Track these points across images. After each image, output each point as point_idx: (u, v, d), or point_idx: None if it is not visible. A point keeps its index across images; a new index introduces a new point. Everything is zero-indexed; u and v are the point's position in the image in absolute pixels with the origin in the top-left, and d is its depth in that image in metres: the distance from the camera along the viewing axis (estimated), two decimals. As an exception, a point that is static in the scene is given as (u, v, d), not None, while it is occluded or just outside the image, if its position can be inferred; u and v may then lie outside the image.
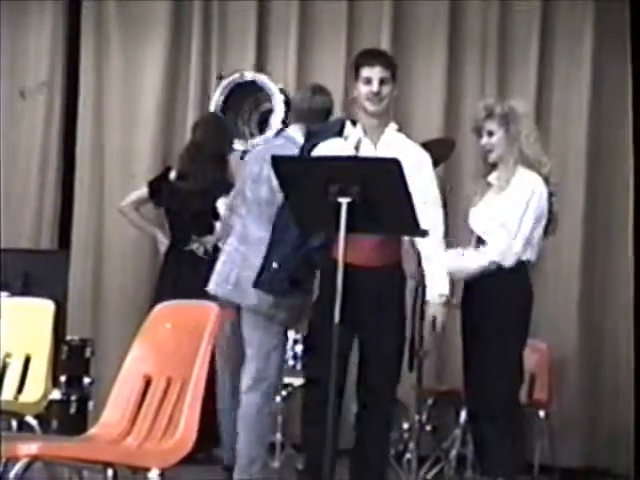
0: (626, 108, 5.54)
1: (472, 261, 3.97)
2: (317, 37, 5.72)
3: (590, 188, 5.54)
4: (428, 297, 3.88)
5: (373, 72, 3.81)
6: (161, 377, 3.07)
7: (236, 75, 5.22)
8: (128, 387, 3.09)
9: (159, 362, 3.14)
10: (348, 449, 3.86)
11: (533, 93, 5.56)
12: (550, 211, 4.00)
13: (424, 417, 4.83)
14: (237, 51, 5.69)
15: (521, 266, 3.96)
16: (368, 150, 3.83)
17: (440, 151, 4.51)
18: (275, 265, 4.07)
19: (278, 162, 3.54)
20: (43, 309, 3.71)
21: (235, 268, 4.23)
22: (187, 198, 5.00)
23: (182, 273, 5.02)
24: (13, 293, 4.58)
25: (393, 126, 3.90)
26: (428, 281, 3.88)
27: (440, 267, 3.87)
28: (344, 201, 3.36)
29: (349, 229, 3.37)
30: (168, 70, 5.70)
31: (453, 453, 4.92)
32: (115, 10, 5.70)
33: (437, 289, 3.86)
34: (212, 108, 5.21)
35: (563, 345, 5.38)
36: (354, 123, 3.89)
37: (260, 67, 5.68)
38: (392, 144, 3.85)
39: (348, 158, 3.59)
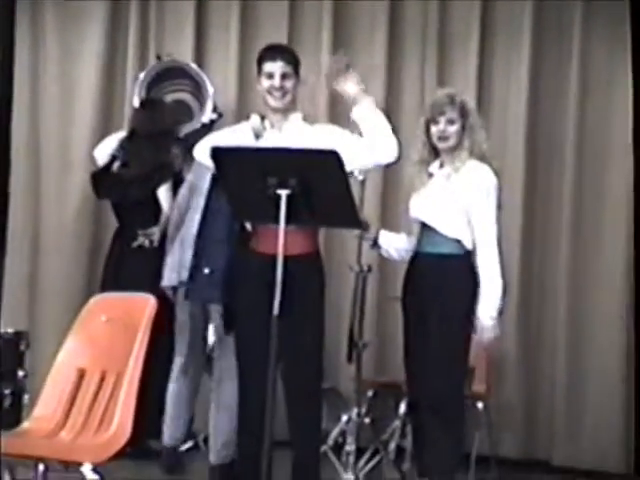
0: (565, 104, 5.58)
1: (493, 270, 3.95)
2: (258, 33, 5.66)
3: (528, 181, 5.58)
4: (480, 315, 3.92)
5: (275, 67, 3.84)
6: (95, 370, 3.04)
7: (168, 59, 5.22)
8: (61, 380, 3.05)
9: (93, 355, 3.11)
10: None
11: (473, 88, 5.57)
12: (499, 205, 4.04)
13: (363, 409, 4.83)
14: (175, 40, 5.62)
15: (469, 255, 3.97)
16: (273, 136, 3.83)
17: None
18: (207, 270, 4.06)
19: (217, 153, 3.51)
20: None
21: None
22: (126, 187, 4.94)
23: (128, 266, 4.97)
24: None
25: (298, 115, 3.91)
26: (482, 299, 3.92)
27: (496, 289, 3.93)
28: (283, 193, 3.35)
29: (288, 221, 3.36)
30: (105, 59, 5.64)
31: (392, 445, 4.93)
32: (51, -1, 5.62)
33: (489, 311, 3.91)
34: (136, 87, 5.17)
35: (501, 337, 5.41)
36: (263, 118, 3.88)
37: (199, 57, 5.63)
38: (297, 129, 3.87)
39: (286, 150, 3.57)
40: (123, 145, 5.05)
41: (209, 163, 3.62)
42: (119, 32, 5.67)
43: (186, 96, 5.41)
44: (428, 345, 3.92)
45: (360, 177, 4.55)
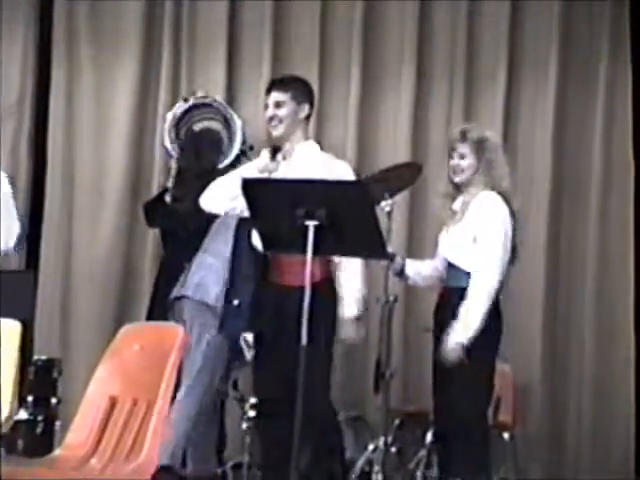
0: (591, 138, 5.63)
1: (478, 297, 3.95)
2: (290, 67, 5.74)
3: (553, 217, 5.63)
4: (449, 337, 3.90)
5: (269, 99, 4.02)
6: (127, 398, 3.08)
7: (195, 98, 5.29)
8: (93, 408, 3.10)
9: (125, 383, 3.15)
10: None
11: (499, 124, 5.63)
12: (513, 235, 4.06)
13: (390, 438, 4.85)
14: (206, 71, 5.70)
15: None
16: (281, 167, 3.94)
17: (407, 175, 4.56)
18: (236, 302, 4.13)
19: (246, 184, 3.58)
20: (10, 329, 3.71)
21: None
22: (186, 218, 5.02)
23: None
24: (-20, 313, 4.55)
25: (306, 144, 4.03)
26: (456, 322, 3.91)
27: (475, 318, 3.88)
28: (311, 224, 3.40)
29: (316, 252, 3.41)
30: (139, 90, 5.70)
31: (418, 474, 4.94)
32: (86, 30, 5.70)
33: (456, 337, 3.90)
34: (166, 127, 5.24)
35: (527, 368, 5.45)
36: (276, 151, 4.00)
37: (230, 88, 5.71)
38: (302, 159, 3.97)
39: (314, 181, 3.63)
40: (173, 177, 5.13)
41: (218, 210, 3.73)
42: (152, 64, 5.74)
43: (216, 125, 5.47)
44: (453, 374, 3.95)
45: (387, 208, 4.60)
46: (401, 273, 4.28)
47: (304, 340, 3.33)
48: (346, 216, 3.42)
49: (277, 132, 3.99)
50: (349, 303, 4.05)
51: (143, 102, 5.71)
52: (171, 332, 3.15)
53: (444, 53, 5.77)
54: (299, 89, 4.04)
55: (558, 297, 5.62)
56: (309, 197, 3.44)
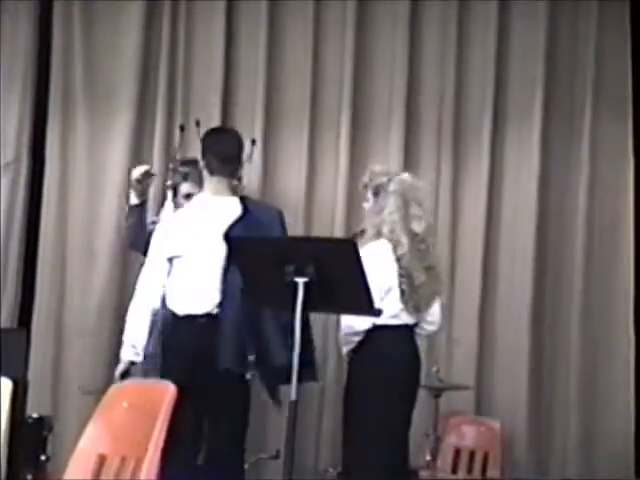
0: (576, 191, 5.74)
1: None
2: (282, 115, 5.82)
3: (538, 267, 5.71)
4: None
5: None
6: (115, 456, 3.11)
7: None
8: (82, 466, 3.13)
9: (114, 441, 3.18)
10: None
11: (485, 175, 5.77)
12: (401, 275, 4.14)
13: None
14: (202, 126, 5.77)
15: (375, 330, 4.14)
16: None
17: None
18: (251, 358, 4.17)
19: (233, 242, 3.62)
20: (1, 388, 3.72)
21: None
22: None
23: None
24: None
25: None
26: None
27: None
28: (301, 281, 3.44)
29: (305, 308, 3.44)
30: (132, 149, 5.77)
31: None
32: (81, 90, 5.78)
33: None
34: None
35: (514, 422, 5.49)
36: None
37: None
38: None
39: (303, 239, 3.68)
40: None
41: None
42: (146, 121, 5.81)
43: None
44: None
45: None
46: None
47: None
48: (334, 273, 3.46)
49: None
50: None
51: (136, 160, 5.77)
52: (160, 390, 3.18)
53: (432, 111, 5.87)
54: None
55: (543, 351, 5.70)
56: (298, 254, 3.48)
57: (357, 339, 4.22)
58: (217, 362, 4.20)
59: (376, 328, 4.15)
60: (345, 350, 4.34)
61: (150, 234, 4.72)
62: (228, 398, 4.27)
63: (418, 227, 4.19)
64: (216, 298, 4.29)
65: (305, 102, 5.81)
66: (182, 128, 5.18)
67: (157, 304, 4.37)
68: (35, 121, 5.83)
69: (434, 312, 4.38)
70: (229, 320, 4.24)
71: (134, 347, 4.41)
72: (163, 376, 3.92)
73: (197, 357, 4.22)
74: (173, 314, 4.33)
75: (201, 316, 4.30)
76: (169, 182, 4.96)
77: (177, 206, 4.86)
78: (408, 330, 4.26)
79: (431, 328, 4.41)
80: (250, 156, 5.00)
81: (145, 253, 4.74)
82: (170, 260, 4.39)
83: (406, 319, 4.23)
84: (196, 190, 4.83)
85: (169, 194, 4.91)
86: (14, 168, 5.73)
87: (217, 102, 5.76)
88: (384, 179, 4.25)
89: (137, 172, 4.85)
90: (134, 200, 4.82)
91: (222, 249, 4.00)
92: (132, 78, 5.77)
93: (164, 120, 5.75)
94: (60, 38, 5.79)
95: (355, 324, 4.19)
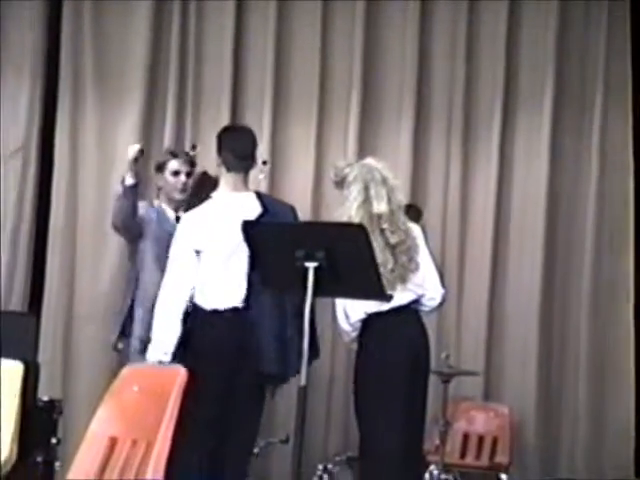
0: (588, 180, 5.74)
1: None
2: (290, 110, 5.82)
3: (548, 252, 5.70)
4: None
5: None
6: (126, 439, 3.10)
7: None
8: (93, 449, 3.12)
9: (125, 424, 3.18)
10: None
11: (495, 163, 5.77)
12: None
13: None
14: (211, 121, 5.76)
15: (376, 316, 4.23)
16: None
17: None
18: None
19: (248, 227, 3.63)
20: (12, 370, 3.74)
21: None
22: None
23: None
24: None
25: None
26: None
27: None
28: (311, 265, 3.44)
29: (316, 292, 3.45)
30: (142, 134, 5.78)
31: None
32: (91, 77, 5.80)
33: None
34: None
35: (523, 408, 5.50)
36: None
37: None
38: None
39: (313, 224, 3.68)
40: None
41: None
42: (156, 110, 5.82)
43: None
44: None
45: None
46: None
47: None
48: (345, 258, 3.46)
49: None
50: None
51: (146, 145, 5.76)
52: (171, 374, 3.17)
53: (442, 98, 5.89)
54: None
55: (553, 336, 5.72)
56: (309, 239, 3.48)
57: (354, 334, 4.25)
58: (258, 362, 4.29)
59: (375, 315, 4.15)
60: (347, 339, 4.32)
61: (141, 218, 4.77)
62: (251, 398, 4.32)
63: (378, 207, 4.18)
64: (242, 293, 4.31)
65: (314, 95, 5.83)
66: (194, 147, 5.21)
67: (187, 300, 4.35)
68: (45, 107, 5.84)
69: (431, 286, 4.32)
70: (261, 319, 4.30)
71: (163, 347, 4.32)
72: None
73: (225, 353, 4.28)
74: (199, 308, 4.35)
75: (227, 311, 4.32)
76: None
77: (165, 185, 4.89)
78: (409, 312, 4.24)
79: (432, 303, 4.34)
80: (262, 173, 5.08)
81: (134, 235, 4.79)
82: (197, 254, 4.39)
83: (398, 300, 4.19)
84: (184, 168, 4.83)
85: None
86: (24, 153, 5.75)
87: (227, 89, 5.77)
88: (346, 170, 4.28)
89: (132, 151, 4.80)
90: (130, 180, 4.76)
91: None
92: (142, 64, 5.78)
93: (174, 104, 5.77)
94: (70, 24, 5.80)
95: (341, 323, 4.22)
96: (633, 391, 5.49)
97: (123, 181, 4.76)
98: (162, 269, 4.51)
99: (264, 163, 5.18)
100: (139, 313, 4.75)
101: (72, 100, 5.79)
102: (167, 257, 4.46)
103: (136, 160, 4.81)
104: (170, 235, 4.56)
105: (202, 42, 5.84)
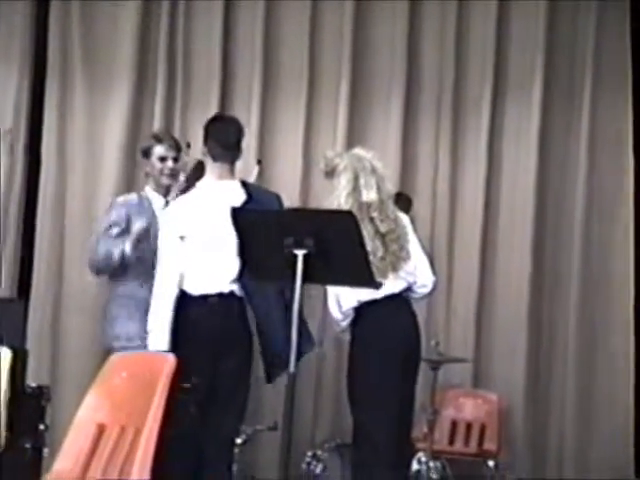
0: (576, 169, 5.74)
1: None
2: (279, 98, 5.81)
3: (537, 240, 5.71)
4: None
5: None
6: (114, 426, 3.11)
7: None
8: (81, 435, 3.13)
9: (113, 411, 3.18)
10: None
11: (484, 154, 5.78)
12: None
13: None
14: (200, 106, 5.75)
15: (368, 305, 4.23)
16: None
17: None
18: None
19: (236, 214, 3.62)
20: (0, 357, 3.73)
21: None
22: None
23: None
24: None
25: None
26: None
27: None
28: (300, 253, 3.43)
29: (305, 280, 3.44)
30: (131, 120, 5.76)
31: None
32: (80, 60, 5.78)
33: None
34: None
35: (511, 395, 5.52)
36: None
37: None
38: None
39: (302, 210, 3.67)
40: None
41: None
42: (145, 90, 5.81)
43: None
44: None
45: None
46: None
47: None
48: (334, 245, 3.46)
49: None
50: None
51: (135, 127, 5.76)
52: (160, 360, 3.18)
53: (432, 81, 5.88)
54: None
55: (542, 323, 5.73)
56: (298, 226, 3.47)
57: (345, 324, 4.25)
58: (267, 346, 4.31)
59: (367, 304, 4.16)
60: (338, 329, 4.33)
61: None
62: (235, 385, 4.32)
63: (367, 196, 4.19)
64: (228, 279, 4.31)
65: (302, 91, 5.81)
66: (188, 145, 5.15)
67: (177, 285, 4.33)
68: (33, 89, 5.82)
69: (422, 274, 4.33)
70: (266, 305, 4.31)
71: (163, 336, 4.26)
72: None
73: (210, 339, 4.26)
74: (185, 294, 4.34)
75: (212, 296, 4.32)
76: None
77: (152, 170, 4.85)
78: (401, 301, 4.24)
79: (423, 291, 4.35)
80: (257, 174, 5.11)
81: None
82: (182, 240, 4.38)
83: (391, 288, 4.20)
84: (170, 153, 4.82)
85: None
86: (13, 136, 5.72)
87: (216, 86, 5.76)
88: (336, 160, 4.28)
89: None
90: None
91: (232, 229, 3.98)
92: (131, 46, 5.76)
93: (164, 86, 5.75)
94: (58, 6, 5.77)
95: (333, 311, 4.22)
96: (633, 391, 5.49)
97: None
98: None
99: (259, 162, 5.20)
100: None
101: (60, 80, 5.78)
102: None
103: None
104: (149, 224, 4.57)
105: (191, 20, 5.83)
